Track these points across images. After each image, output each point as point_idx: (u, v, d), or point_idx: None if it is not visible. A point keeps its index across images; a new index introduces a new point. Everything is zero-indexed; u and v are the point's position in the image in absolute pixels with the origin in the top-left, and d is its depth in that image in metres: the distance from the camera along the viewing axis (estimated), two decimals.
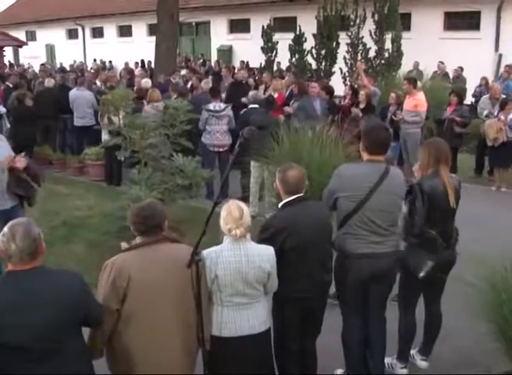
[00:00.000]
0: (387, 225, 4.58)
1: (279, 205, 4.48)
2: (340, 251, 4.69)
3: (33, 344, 3.20)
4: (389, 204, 4.57)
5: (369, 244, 4.55)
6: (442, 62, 18.80)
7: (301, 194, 4.39)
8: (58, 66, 29.81)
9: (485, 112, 11.81)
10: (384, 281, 4.71)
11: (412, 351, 5.31)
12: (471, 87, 16.50)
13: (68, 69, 25.76)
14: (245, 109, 10.48)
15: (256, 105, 10.12)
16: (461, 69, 18.38)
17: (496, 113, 11.26)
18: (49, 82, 14.15)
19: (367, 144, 4.62)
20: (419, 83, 12.46)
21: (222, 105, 10.29)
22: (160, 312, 3.68)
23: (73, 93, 12.99)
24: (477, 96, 15.58)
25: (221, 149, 10.35)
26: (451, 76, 18.31)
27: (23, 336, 3.17)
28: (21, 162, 6.14)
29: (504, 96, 12.25)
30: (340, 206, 4.60)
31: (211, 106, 10.16)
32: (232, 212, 3.88)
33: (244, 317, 3.97)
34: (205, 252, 3.92)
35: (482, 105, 12.26)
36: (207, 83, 12.26)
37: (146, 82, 13.34)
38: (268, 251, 4.05)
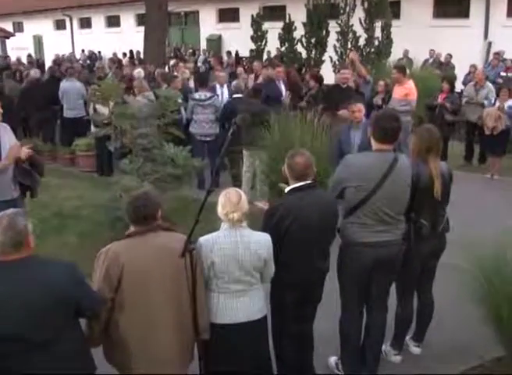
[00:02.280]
0: (395, 213, 4.55)
1: (286, 191, 4.47)
2: (345, 239, 4.68)
3: (24, 335, 3.20)
4: (398, 193, 4.53)
5: (375, 234, 4.51)
6: (433, 50, 18.83)
7: (309, 182, 4.38)
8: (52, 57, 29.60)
9: (464, 100, 11.85)
10: (387, 270, 4.68)
11: (405, 338, 5.33)
12: (460, 74, 16.52)
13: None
14: (228, 99, 10.47)
15: (239, 95, 10.10)
16: (450, 56, 18.41)
17: (492, 101, 11.25)
18: (35, 73, 14.04)
19: (375, 133, 4.58)
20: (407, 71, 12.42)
21: (208, 94, 10.24)
22: (154, 301, 3.68)
23: (64, 84, 12.86)
24: (466, 84, 15.62)
25: (207, 138, 10.31)
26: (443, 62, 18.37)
27: (12, 327, 3.17)
28: (24, 152, 6.09)
29: (489, 84, 12.23)
30: (348, 196, 4.53)
31: (196, 95, 10.15)
32: (231, 197, 3.91)
33: (241, 304, 3.98)
34: (202, 239, 3.94)
35: (466, 92, 12.28)
36: (183, 73, 12.24)
37: (139, 72, 13.26)
38: (265, 238, 4.06)
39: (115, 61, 20.33)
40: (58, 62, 21.20)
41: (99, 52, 29.71)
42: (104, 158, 11.22)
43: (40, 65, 23.13)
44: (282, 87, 11.33)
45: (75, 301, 3.41)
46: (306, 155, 4.43)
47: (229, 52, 24.00)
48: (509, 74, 16.39)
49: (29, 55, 25.22)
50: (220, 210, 3.93)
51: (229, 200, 3.90)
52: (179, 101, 8.84)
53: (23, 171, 6.13)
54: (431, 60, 18.88)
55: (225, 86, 11.38)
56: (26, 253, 3.32)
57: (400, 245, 4.68)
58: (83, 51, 30.89)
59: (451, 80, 11.97)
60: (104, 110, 9.76)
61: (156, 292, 3.68)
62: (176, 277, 3.73)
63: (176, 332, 3.78)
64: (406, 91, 10.72)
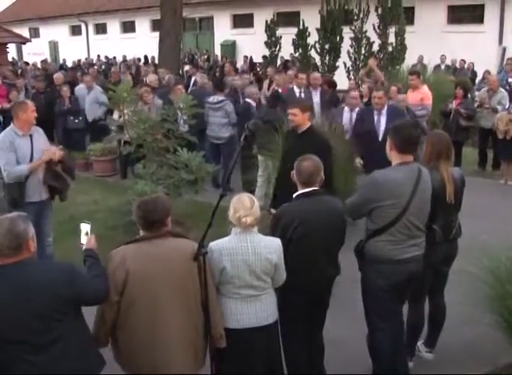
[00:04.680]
0: (422, 225, 4.48)
1: (293, 196, 4.50)
2: (375, 258, 4.48)
3: (26, 337, 3.24)
4: (425, 203, 4.47)
5: (406, 249, 4.42)
6: (444, 55, 18.80)
7: (316, 188, 4.42)
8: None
9: (476, 104, 11.79)
10: (414, 282, 4.62)
11: (417, 344, 5.30)
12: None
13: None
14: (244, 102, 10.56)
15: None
16: (464, 61, 18.36)
17: (506, 106, 11.20)
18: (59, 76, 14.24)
19: (396, 143, 4.40)
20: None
21: (220, 98, 10.33)
22: (160, 306, 3.68)
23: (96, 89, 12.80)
24: (480, 89, 15.55)
25: (219, 141, 10.38)
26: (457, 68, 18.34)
27: (13, 330, 3.21)
28: (57, 154, 6.16)
29: (502, 90, 12.12)
30: (380, 215, 4.38)
31: (210, 98, 10.26)
32: (243, 201, 3.95)
33: (252, 309, 4.01)
34: (212, 244, 3.96)
35: (478, 98, 12.21)
36: (202, 78, 12.31)
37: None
38: (275, 242, 4.08)
39: (130, 66, 20.44)
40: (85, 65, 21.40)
41: (114, 58, 29.83)
42: (120, 163, 11.28)
43: (66, 69, 23.19)
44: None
45: (76, 299, 3.44)
46: (314, 160, 4.46)
47: (246, 57, 24.12)
48: None
49: (43, 61, 25.30)
50: (232, 214, 3.96)
51: (243, 204, 3.94)
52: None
53: (54, 173, 6.20)
54: (443, 66, 18.82)
55: None
56: (25, 256, 3.36)
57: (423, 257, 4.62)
58: (98, 56, 31.08)
59: (465, 86, 11.92)
60: (115, 115, 9.82)
61: (163, 297, 3.68)
62: (185, 282, 3.74)
63: (185, 337, 3.77)
64: (421, 96, 10.70)
